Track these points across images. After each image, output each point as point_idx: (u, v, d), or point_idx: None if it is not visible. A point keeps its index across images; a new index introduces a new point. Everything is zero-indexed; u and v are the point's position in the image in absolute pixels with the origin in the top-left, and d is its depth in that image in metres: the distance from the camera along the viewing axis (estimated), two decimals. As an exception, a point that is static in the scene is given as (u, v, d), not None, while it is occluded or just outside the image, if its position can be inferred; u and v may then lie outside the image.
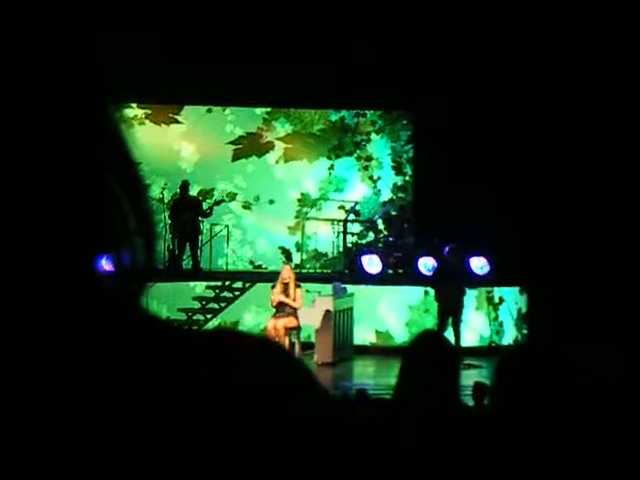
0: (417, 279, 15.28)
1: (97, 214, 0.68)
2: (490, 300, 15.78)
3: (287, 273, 13.57)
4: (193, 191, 17.57)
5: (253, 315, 15.47)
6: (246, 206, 18.94)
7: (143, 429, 0.64)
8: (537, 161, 15.68)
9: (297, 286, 13.53)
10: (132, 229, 0.70)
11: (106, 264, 0.68)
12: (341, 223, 17.49)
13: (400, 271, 16.36)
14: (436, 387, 3.11)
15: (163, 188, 17.37)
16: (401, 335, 15.11)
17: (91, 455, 0.62)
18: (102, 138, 0.70)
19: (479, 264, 15.36)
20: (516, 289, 15.95)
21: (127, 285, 0.70)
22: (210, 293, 15.88)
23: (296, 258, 18.57)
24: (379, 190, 19.04)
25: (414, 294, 15.46)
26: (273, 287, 13.65)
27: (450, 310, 13.72)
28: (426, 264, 15.42)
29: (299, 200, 18.98)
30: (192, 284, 15.91)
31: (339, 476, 0.68)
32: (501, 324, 15.80)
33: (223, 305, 15.81)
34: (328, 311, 13.85)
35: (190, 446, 0.64)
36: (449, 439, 2.93)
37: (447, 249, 14.10)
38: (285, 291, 13.43)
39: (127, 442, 0.63)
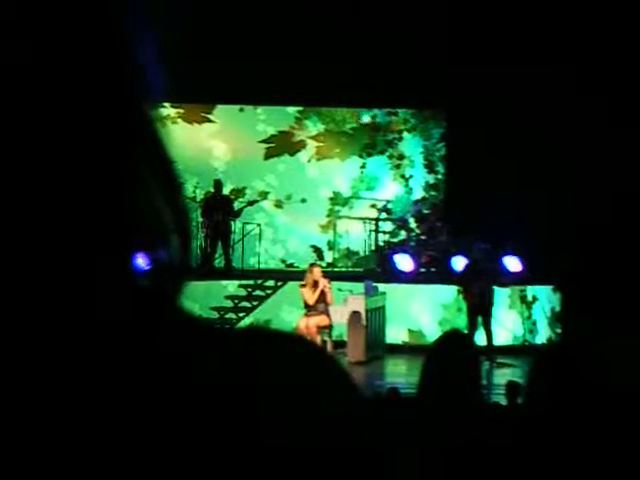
0: (450, 277, 15.22)
1: (133, 212, 0.68)
2: (523, 299, 15.70)
3: (319, 273, 13.61)
4: (225, 190, 17.62)
5: (285, 313, 15.49)
6: (278, 205, 18.96)
7: (176, 429, 0.64)
8: (569, 160, 15.57)
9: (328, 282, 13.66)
10: (168, 227, 0.70)
11: (142, 262, 0.68)
12: (373, 222, 17.47)
13: (433, 269, 16.30)
14: (456, 386, 3.09)
15: (195, 187, 17.43)
16: (434, 334, 15.04)
17: (125, 453, 0.62)
18: (138, 135, 0.70)
19: (512, 263, 15.28)
20: (550, 288, 15.85)
21: (163, 283, 0.70)
22: (242, 292, 15.93)
23: (328, 257, 18.58)
24: (411, 188, 18.99)
25: (447, 293, 15.41)
26: (302, 286, 13.66)
27: (479, 309, 13.65)
28: (459, 262, 15.36)
29: (331, 199, 18.97)
30: (224, 283, 15.96)
31: (372, 476, 0.67)
32: (534, 323, 15.71)
33: (255, 304, 15.85)
34: (360, 310, 13.84)
35: (219, 445, 0.64)
36: (470, 439, 2.92)
37: (475, 247, 14.05)
38: (316, 290, 13.46)
39: (162, 439, 0.63)
